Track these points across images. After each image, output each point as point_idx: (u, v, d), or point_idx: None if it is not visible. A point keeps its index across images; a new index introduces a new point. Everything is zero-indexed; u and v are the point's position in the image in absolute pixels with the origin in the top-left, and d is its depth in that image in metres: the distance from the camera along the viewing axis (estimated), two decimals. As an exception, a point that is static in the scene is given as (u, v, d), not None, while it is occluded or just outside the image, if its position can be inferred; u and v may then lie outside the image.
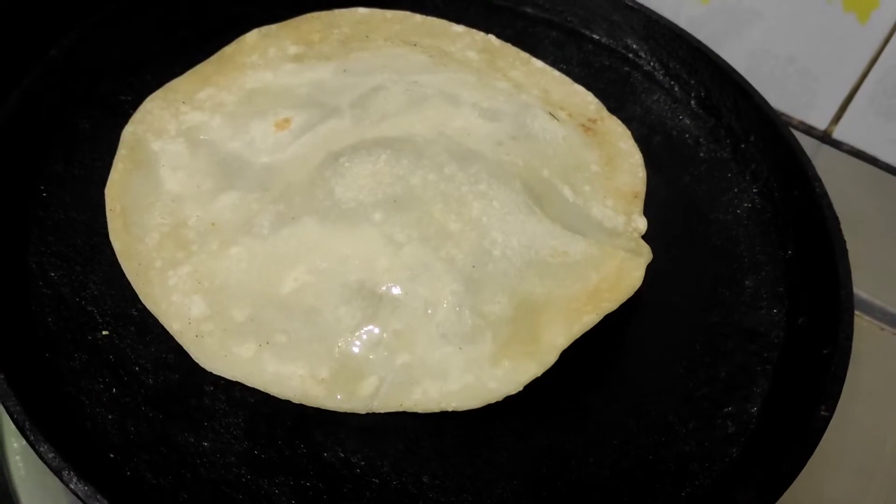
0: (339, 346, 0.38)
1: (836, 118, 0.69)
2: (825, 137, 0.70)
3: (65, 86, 0.47)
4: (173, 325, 0.39)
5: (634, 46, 0.58)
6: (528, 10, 0.59)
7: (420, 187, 0.42)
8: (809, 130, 0.70)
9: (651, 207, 0.48)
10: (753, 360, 0.42)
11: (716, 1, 0.67)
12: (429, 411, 0.38)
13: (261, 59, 0.51)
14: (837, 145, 0.69)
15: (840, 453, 0.45)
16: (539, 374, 0.38)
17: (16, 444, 0.41)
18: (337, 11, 0.55)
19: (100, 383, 0.37)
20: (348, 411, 0.38)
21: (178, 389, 0.37)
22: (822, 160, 0.66)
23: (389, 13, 0.56)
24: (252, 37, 0.52)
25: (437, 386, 0.38)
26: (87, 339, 0.38)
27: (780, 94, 0.69)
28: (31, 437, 0.32)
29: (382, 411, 0.38)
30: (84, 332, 0.38)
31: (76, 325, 0.38)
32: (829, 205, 0.46)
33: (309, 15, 0.54)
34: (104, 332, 0.38)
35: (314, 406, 0.37)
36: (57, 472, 0.32)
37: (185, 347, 0.38)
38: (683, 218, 0.49)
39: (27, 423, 0.33)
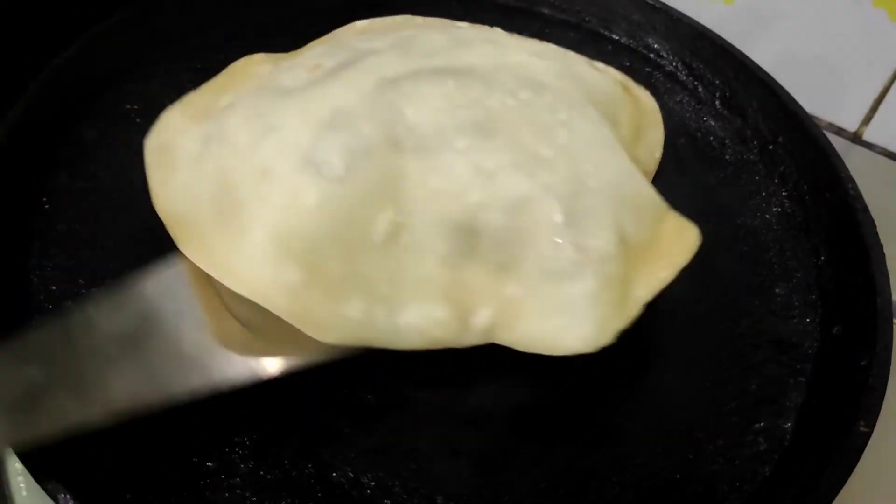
0: (445, 285, 0.36)
1: (867, 119, 0.67)
2: (855, 139, 0.68)
3: (69, 95, 0.46)
4: (278, 304, 0.35)
5: (656, 46, 0.56)
6: (545, 10, 0.58)
7: (500, 112, 0.38)
8: (839, 132, 0.68)
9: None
10: (785, 373, 0.40)
11: (740, 0, 0.66)
12: (526, 350, 0.36)
13: (273, 67, 0.48)
14: (868, 147, 0.67)
15: (879, 472, 0.43)
16: (624, 328, 0.36)
17: (17, 465, 0.40)
18: (336, 32, 0.51)
19: (101, 401, 0.35)
20: (472, 345, 0.36)
21: (182, 407, 0.36)
22: (853, 162, 0.63)
23: (388, 19, 0.52)
24: (259, 55, 0.49)
25: (535, 325, 0.36)
26: (88, 355, 0.37)
27: (808, 96, 0.66)
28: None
29: (498, 342, 0.36)
30: (86, 347, 0.37)
31: (78, 340, 0.37)
32: (864, 207, 0.44)
33: (311, 43, 0.50)
34: (106, 348, 0.37)
35: (442, 346, 0.36)
36: (52, 496, 0.30)
37: (296, 325, 0.35)
38: (709, 223, 0.47)
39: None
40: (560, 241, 0.36)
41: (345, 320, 0.35)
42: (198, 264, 0.37)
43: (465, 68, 0.40)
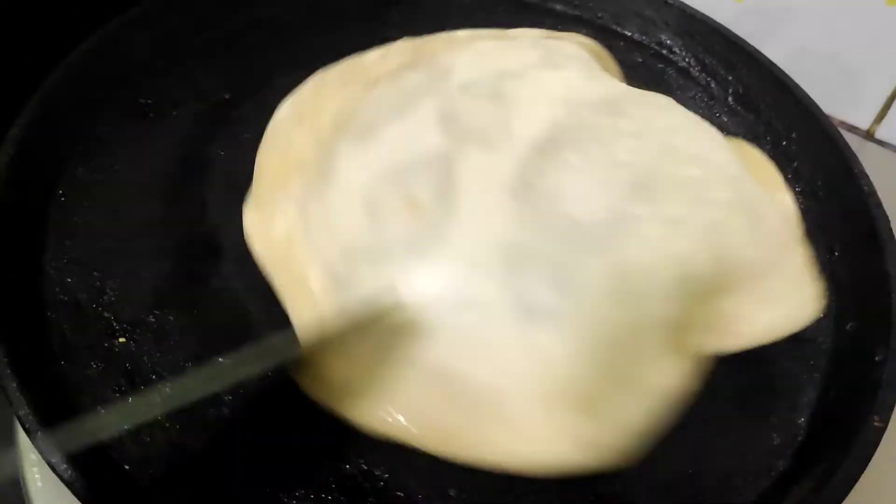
0: (672, 337, 0.36)
1: (879, 117, 0.66)
2: (868, 137, 0.67)
3: (85, 89, 0.46)
4: (579, 461, 0.34)
5: (668, 42, 0.56)
6: (558, 7, 0.58)
7: (633, 155, 0.38)
8: (852, 130, 0.68)
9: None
10: (800, 368, 0.40)
11: (752, -2, 0.66)
12: (757, 345, 0.37)
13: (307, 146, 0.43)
14: (881, 144, 0.67)
15: (893, 467, 0.43)
16: None
17: (34, 456, 0.40)
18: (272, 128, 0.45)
19: (116, 392, 0.35)
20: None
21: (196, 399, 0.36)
22: (866, 160, 0.63)
23: (306, 91, 0.46)
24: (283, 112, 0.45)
25: (766, 317, 0.37)
26: (103, 347, 0.37)
27: (820, 94, 0.65)
28: (43, 448, 0.31)
29: (720, 353, 0.37)
30: (101, 339, 0.37)
31: (93, 331, 0.37)
32: (878, 203, 0.44)
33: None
34: (121, 340, 0.37)
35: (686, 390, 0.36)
36: (69, 485, 0.31)
37: (601, 468, 0.34)
38: (722, 219, 0.47)
39: (39, 432, 0.32)
40: (753, 238, 0.37)
41: (631, 428, 0.34)
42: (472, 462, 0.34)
43: (552, 129, 0.38)
